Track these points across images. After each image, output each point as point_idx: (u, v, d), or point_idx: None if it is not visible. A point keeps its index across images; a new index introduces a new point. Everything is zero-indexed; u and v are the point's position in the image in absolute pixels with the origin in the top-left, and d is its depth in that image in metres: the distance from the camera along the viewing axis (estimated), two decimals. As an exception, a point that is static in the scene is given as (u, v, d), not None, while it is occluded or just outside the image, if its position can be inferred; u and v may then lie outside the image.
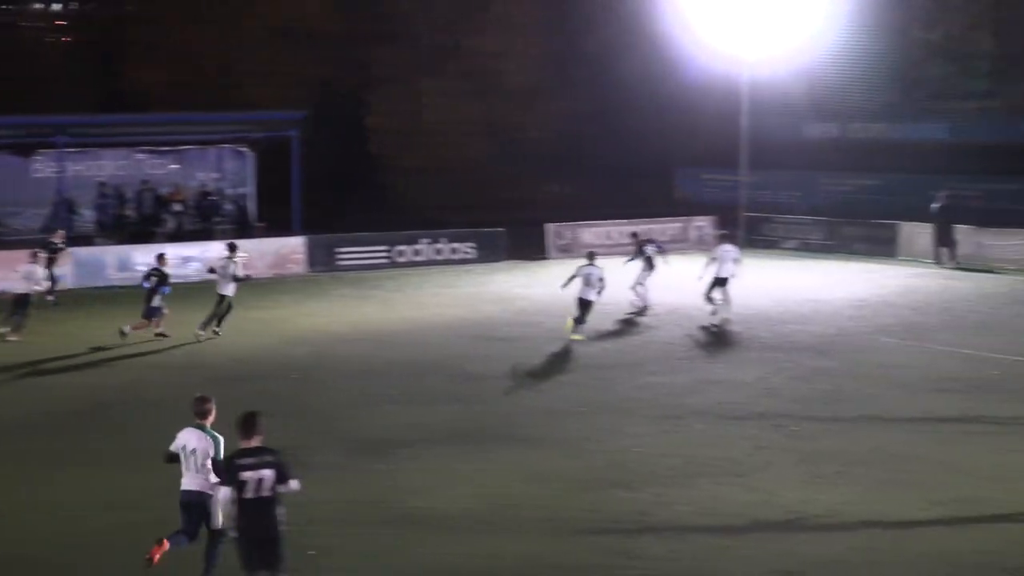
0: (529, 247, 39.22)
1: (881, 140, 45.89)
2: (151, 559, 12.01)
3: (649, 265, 29.69)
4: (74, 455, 17.43)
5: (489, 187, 49.75)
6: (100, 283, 33.75)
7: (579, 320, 25.53)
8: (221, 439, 11.95)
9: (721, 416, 19.40)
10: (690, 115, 51.16)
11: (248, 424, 11.27)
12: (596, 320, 25.70)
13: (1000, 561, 13.15)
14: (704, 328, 27.16)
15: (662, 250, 30.43)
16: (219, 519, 11.96)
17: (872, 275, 35.36)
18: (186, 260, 33.65)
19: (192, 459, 12.04)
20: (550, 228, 40.55)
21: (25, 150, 38.72)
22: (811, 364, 23.23)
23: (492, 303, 31.18)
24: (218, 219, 40.03)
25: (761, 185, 45.05)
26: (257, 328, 27.22)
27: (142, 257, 33.88)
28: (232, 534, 11.41)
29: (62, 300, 30.56)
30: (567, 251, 39.39)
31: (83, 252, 34.62)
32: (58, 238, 32.13)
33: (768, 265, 37.04)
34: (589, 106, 53.12)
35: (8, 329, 26.02)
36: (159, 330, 25.87)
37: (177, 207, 39.52)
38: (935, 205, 37.86)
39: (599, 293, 25.72)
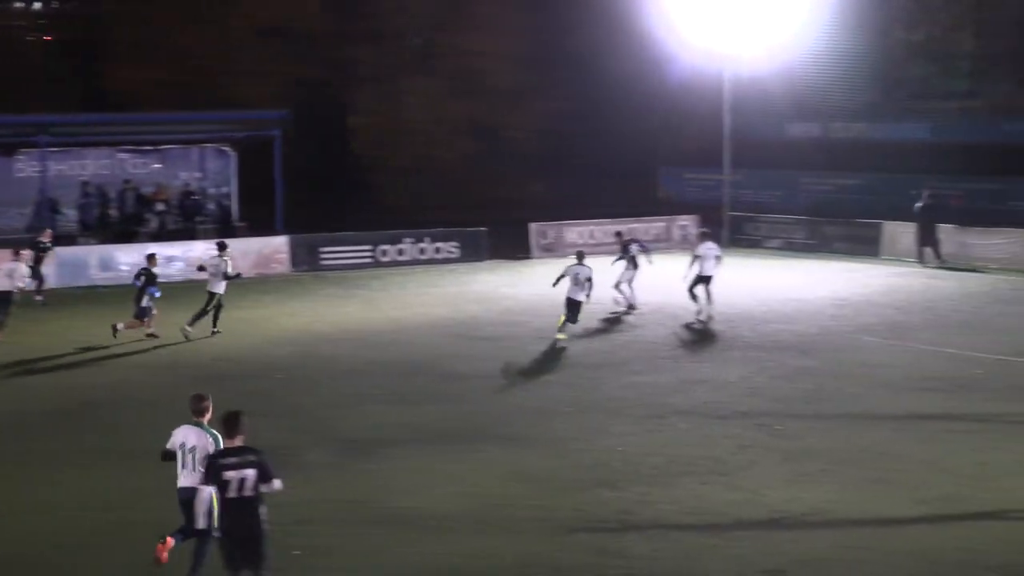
0: (513, 246, 39.25)
1: (863, 140, 45.96)
2: (159, 558, 11.97)
3: (633, 264, 29.74)
4: (70, 455, 17.43)
5: (472, 187, 49.74)
6: (83, 282, 33.75)
7: (569, 320, 25.33)
8: (220, 436, 11.95)
9: (705, 415, 19.48)
10: (673, 114, 51.32)
11: (231, 423, 11.27)
12: (581, 319, 25.70)
13: (983, 559, 13.23)
14: (688, 327, 27.26)
15: (646, 249, 30.46)
16: (202, 520, 11.81)
17: (855, 274, 35.47)
18: (169, 260, 33.57)
19: (190, 457, 12.01)
20: (534, 227, 40.58)
21: (7, 149, 38.58)
22: (794, 363, 23.30)
23: (476, 302, 31.21)
24: (201, 219, 39.97)
25: (744, 184, 45.21)
26: (241, 328, 27.18)
27: (125, 257, 33.89)
28: (216, 534, 11.42)
29: (46, 300, 30.55)
30: (551, 250, 39.48)
31: (66, 252, 34.53)
32: (46, 237, 32.10)
33: (751, 264, 37.14)
34: (572, 105, 53.11)
35: (-10, 328, 25.99)
36: (150, 331, 25.88)
37: (160, 207, 39.42)
38: (918, 204, 38.01)
39: (588, 295, 25.52)
